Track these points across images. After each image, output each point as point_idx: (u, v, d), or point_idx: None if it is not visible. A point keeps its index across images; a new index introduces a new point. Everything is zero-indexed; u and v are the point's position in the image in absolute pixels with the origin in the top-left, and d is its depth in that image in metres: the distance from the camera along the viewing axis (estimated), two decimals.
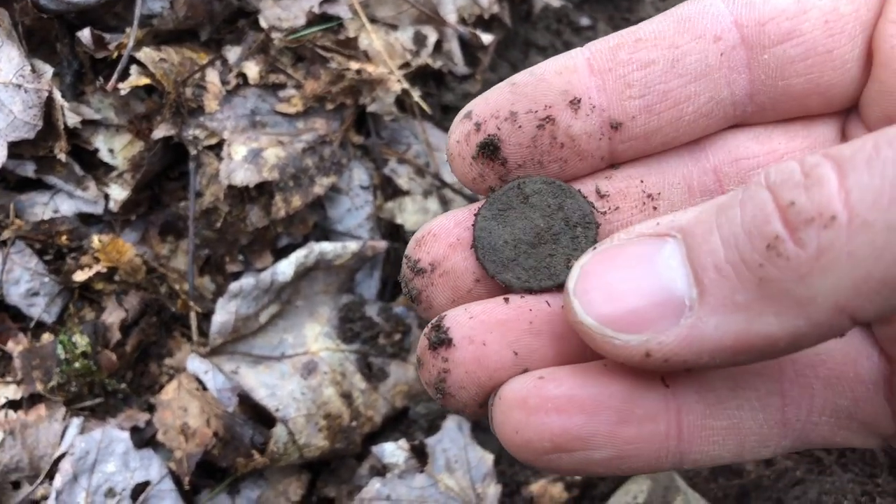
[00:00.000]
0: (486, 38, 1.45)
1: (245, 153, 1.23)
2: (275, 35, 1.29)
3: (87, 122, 1.22)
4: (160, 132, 1.22)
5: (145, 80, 1.19)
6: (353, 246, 1.24)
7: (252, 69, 1.29)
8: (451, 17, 1.43)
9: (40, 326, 1.21)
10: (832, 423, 0.51)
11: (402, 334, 1.27)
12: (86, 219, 1.25)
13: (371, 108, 1.34)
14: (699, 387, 0.48)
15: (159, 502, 1.14)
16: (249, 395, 1.18)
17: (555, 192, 0.54)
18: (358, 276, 1.33)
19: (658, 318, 0.42)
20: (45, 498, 1.10)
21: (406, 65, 1.37)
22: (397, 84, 1.33)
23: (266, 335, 1.24)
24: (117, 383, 1.20)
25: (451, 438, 1.19)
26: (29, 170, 1.20)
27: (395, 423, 1.27)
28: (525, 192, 0.54)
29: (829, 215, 0.37)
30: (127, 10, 1.24)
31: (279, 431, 1.15)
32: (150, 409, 1.20)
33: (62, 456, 1.12)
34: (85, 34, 1.18)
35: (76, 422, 1.14)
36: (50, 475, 1.12)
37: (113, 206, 1.24)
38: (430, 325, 0.52)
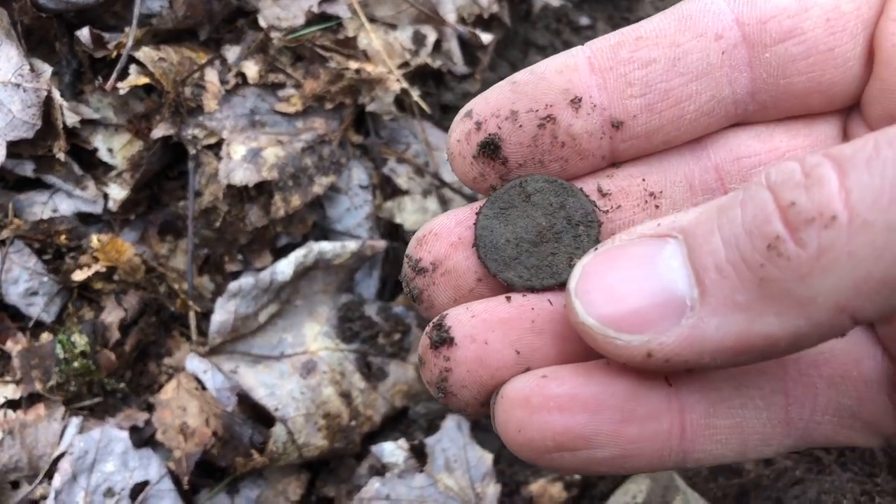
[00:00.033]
0: (486, 37, 1.44)
1: (244, 153, 1.22)
2: (274, 34, 1.29)
3: (86, 122, 1.22)
4: (159, 132, 1.22)
5: (144, 80, 1.19)
6: (352, 245, 1.24)
7: (251, 69, 1.29)
8: (451, 16, 1.43)
9: (39, 326, 1.21)
10: (835, 423, 0.51)
11: (401, 334, 1.27)
12: (85, 218, 1.25)
13: (370, 108, 1.34)
14: (703, 385, 0.48)
15: (158, 502, 1.14)
16: (248, 394, 1.18)
17: (557, 190, 0.54)
18: (357, 276, 1.33)
19: (659, 318, 0.43)
20: (44, 497, 1.10)
21: (405, 64, 1.37)
22: (396, 83, 1.33)
23: (265, 335, 1.24)
24: (116, 383, 1.20)
25: (451, 438, 1.19)
26: (28, 169, 1.20)
27: (395, 423, 1.27)
28: (527, 190, 0.54)
29: (829, 215, 0.37)
30: (126, 9, 1.24)
31: (278, 431, 1.15)
32: (149, 408, 1.20)
33: (61, 455, 1.12)
34: (84, 33, 1.18)
35: (75, 421, 1.14)
36: (49, 475, 1.11)
37: (112, 205, 1.24)
38: (431, 324, 0.52)
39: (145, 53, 1.19)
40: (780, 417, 0.50)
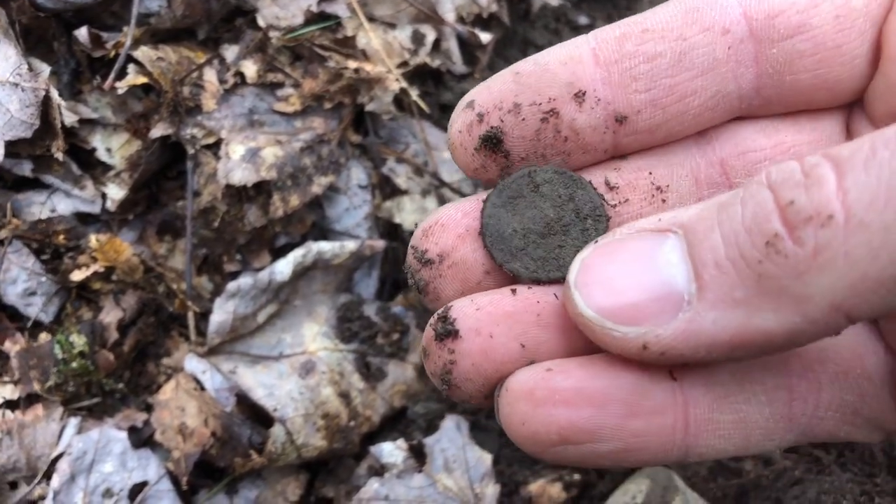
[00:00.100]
0: (485, 36, 1.44)
1: (243, 152, 1.22)
2: (273, 34, 1.29)
3: (84, 121, 1.22)
4: (158, 131, 1.21)
5: (143, 79, 1.19)
6: (351, 245, 1.24)
7: (250, 68, 1.29)
8: (450, 15, 1.42)
9: (38, 326, 1.20)
10: (837, 418, 0.51)
11: (400, 334, 1.27)
12: (83, 218, 1.25)
13: (369, 107, 1.34)
14: (707, 380, 0.48)
15: (157, 502, 1.13)
16: (247, 394, 1.18)
17: (566, 182, 0.54)
18: (356, 276, 1.33)
19: (657, 311, 0.43)
20: (43, 498, 1.10)
21: (404, 64, 1.37)
22: (395, 83, 1.32)
23: (264, 335, 1.24)
24: (115, 383, 1.19)
25: (450, 438, 1.19)
26: (26, 169, 1.20)
27: (394, 423, 1.27)
28: (536, 181, 0.54)
29: (826, 215, 0.37)
30: (124, 8, 1.24)
31: (277, 431, 1.15)
32: (148, 408, 1.20)
33: (59, 456, 1.11)
34: (82, 33, 1.18)
35: (73, 422, 1.14)
36: (47, 475, 1.11)
37: (110, 205, 1.23)
38: (436, 316, 0.52)
39: (144, 53, 1.19)
40: (782, 413, 0.50)
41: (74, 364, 1.15)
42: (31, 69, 1.16)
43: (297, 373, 1.21)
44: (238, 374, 1.20)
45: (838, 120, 0.56)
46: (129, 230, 1.27)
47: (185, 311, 1.24)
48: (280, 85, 1.30)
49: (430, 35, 1.41)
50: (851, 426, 0.52)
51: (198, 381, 1.18)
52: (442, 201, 1.37)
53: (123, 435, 1.14)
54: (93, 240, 1.20)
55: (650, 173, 0.55)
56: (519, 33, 1.56)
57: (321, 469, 1.24)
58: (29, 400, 1.15)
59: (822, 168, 0.38)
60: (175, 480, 1.15)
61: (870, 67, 0.53)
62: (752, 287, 0.40)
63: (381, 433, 1.25)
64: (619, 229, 0.47)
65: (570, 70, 0.52)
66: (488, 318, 0.50)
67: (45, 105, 1.16)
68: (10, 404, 1.15)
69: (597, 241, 0.47)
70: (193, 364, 1.19)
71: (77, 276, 1.19)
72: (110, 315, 1.21)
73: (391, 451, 1.16)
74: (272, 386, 1.19)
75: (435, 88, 1.46)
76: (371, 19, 1.37)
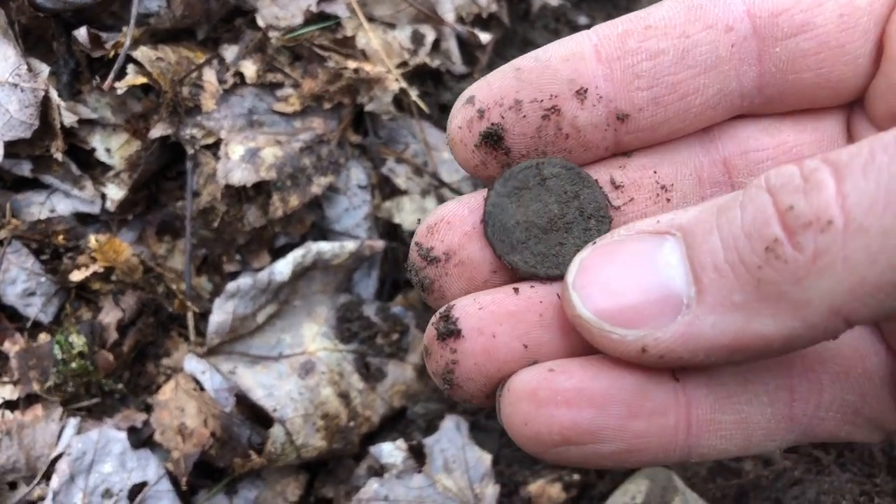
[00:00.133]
0: (485, 37, 1.44)
1: (242, 153, 1.22)
2: (272, 34, 1.28)
3: (83, 122, 1.22)
4: (157, 131, 1.21)
5: (142, 80, 1.19)
6: (350, 245, 1.24)
7: (249, 68, 1.28)
8: (449, 15, 1.42)
9: (37, 326, 1.20)
10: (838, 419, 0.51)
11: (399, 334, 1.27)
12: (83, 218, 1.25)
13: (369, 108, 1.34)
14: (709, 381, 0.48)
15: (156, 503, 1.13)
16: (247, 395, 1.18)
17: (573, 178, 0.54)
18: (356, 276, 1.33)
19: (656, 314, 0.43)
20: (42, 499, 1.10)
21: (404, 64, 1.37)
22: (395, 83, 1.32)
23: (263, 335, 1.24)
24: (114, 383, 1.19)
25: (449, 438, 1.19)
26: (25, 169, 1.20)
27: (393, 424, 1.27)
28: (543, 174, 0.53)
29: (826, 220, 0.37)
30: (124, 8, 1.24)
31: (277, 432, 1.15)
32: (148, 409, 1.20)
33: (59, 456, 1.11)
34: (81, 33, 1.18)
35: (73, 422, 1.14)
36: (47, 476, 1.11)
37: (110, 205, 1.23)
38: (438, 315, 0.52)
39: (143, 53, 1.19)
40: (784, 413, 0.50)
41: (74, 364, 1.15)
42: (30, 69, 1.16)
43: (296, 373, 1.21)
44: (237, 375, 1.20)
45: (839, 119, 0.56)
46: (129, 230, 1.27)
47: (184, 311, 1.24)
48: (279, 85, 1.30)
49: (430, 35, 1.41)
50: (852, 426, 0.52)
51: (197, 382, 1.18)
52: (442, 201, 1.37)
53: (123, 435, 1.14)
54: (92, 240, 1.19)
55: (655, 172, 0.55)
56: (518, 33, 1.56)
57: (321, 469, 1.24)
58: (28, 400, 1.15)
59: (821, 173, 0.38)
60: (174, 481, 1.15)
61: (872, 67, 0.53)
62: (752, 291, 0.40)
63: (380, 433, 1.25)
64: (618, 230, 0.47)
65: (571, 67, 0.51)
66: (491, 318, 0.50)
67: (45, 105, 1.15)
68: (10, 404, 1.15)
69: (595, 243, 0.47)
70: (193, 364, 1.19)
71: (76, 276, 1.19)
72: (110, 315, 1.21)
73: (391, 451, 1.16)
74: (272, 386, 1.19)
75: (434, 89, 1.46)
76: (370, 19, 1.37)
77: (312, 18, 1.31)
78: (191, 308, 1.24)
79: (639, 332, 0.43)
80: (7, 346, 1.17)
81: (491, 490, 1.15)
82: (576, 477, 1.17)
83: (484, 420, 1.25)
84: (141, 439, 1.18)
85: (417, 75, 1.42)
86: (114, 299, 1.22)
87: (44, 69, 1.16)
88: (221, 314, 1.18)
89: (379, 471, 1.17)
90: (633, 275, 0.44)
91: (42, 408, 1.15)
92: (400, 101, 1.39)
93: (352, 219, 1.34)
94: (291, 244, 1.28)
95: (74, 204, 1.23)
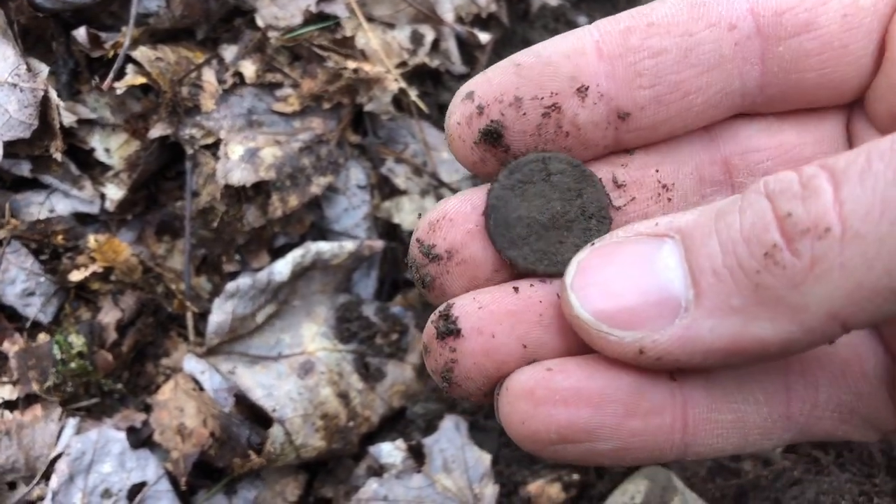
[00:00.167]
0: (484, 37, 1.44)
1: (242, 153, 1.22)
2: (271, 34, 1.28)
3: (83, 122, 1.22)
4: (156, 131, 1.21)
5: (141, 80, 1.19)
6: (350, 245, 1.24)
7: (248, 68, 1.28)
8: (449, 15, 1.42)
9: (36, 326, 1.20)
10: (835, 418, 0.51)
11: (399, 334, 1.27)
12: (82, 218, 1.25)
13: (368, 108, 1.34)
14: (706, 381, 0.49)
15: (156, 503, 1.13)
16: (246, 395, 1.18)
17: (577, 176, 0.53)
18: (355, 276, 1.33)
19: (654, 316, 0.43)
20: (41, 499, 1.10)
21: (403, 64, 1.37)
22: (394, 83, 1.32)
23: (263, 335, 1.24)
24: (113, 383, 1.19)
25: (449, 438, 1.19)
26: (25, 169, 1.20)
27: (393, 424, 1.27)
28: (549, 169, 0.53)
29: (823, 227, 0.38)
30: (123, 8, 1.24)
31: (276, 432, 1.15)
32: (147, 409, 1.20)
33: (58, 456, 1.11)
34: (81, 33, 1.18)
35: (72, 422, 1.14)
36: (46, 476, 1.11)
37: (109, 205, 1.23)
38: (437, 313, 0.52)
39: (142, 53, 1.19)
40: (780, 412, 0.50)
41: (73, 364, 1.15)
42: (29, 69, 1.16)
43: (295, 373, 1.21)
44: (237, 375, 1.20)
45: (839, 119, 0.56)
46: (128, 230, 1.27)
47: (183, 311, 1.24)
48: (279, 85, 1.30)
49: (429, 35, 1.41)
50: (849, 426, 0.52)
51: (196, 382, 1.18)
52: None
53: (122, 435, 1.14)
54: (91, 240, 1.19)
55: (657, 170, 0.55)
56: (518, 33, 1.56)
57: (320, 469, 1.24)
58: (28, 400, 1.15)
59: (818, 179, 0.39)
60: (174, 481, 1.15)
61: (874, 67, 0.52)
62: (750, 296, 0.40)
63: (379, 433, 1.25)
64: (616, 232, 0.47)
65: (573, 63, 0.51)
66: (490, 318, 0.50)
67: (44, 105, 1.15)
68: (9, 405, 1.15)
69: (594, 244, 0.47)
70: (192, 364, 1.19)
71: (76, 276, 1.19)
72: (109, 315, 1.21)
73: (390, 451, 1.16)
74: (271, 386, 1.19)
75: (434, 89, 1.46)
76: (370, 19, 1.37)
77: (312, 18, 1.31)
78: (190, 308, 1.24)
79: (636, 334, 0.43)
80: (6, 346, 1.17)
81: (490, 490, 1.15)
82: (575, 477, 1.17)
83: (483, 420, 1.25)
84: (140, 439, 1.18)
85: (417, 75, 1.42)
86: (113, 299, 1.22)
87: (43, 69, 1.16)
88: (221, 314, 1.18)
89: (378, 471, 1.17)
90: (631, 276, 0.44)
91: (41, 408, 1.15)
92: (399, 101, 1.39)
93: (351, 219, 1.34)
94: (291, 244, 1.28)
95: (74, 204, 1.23)
